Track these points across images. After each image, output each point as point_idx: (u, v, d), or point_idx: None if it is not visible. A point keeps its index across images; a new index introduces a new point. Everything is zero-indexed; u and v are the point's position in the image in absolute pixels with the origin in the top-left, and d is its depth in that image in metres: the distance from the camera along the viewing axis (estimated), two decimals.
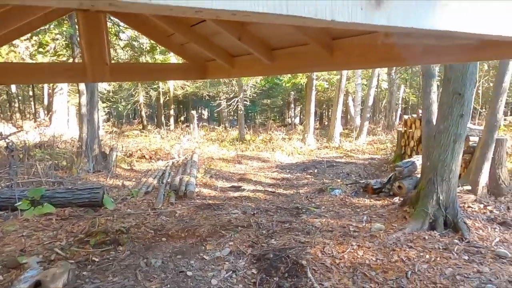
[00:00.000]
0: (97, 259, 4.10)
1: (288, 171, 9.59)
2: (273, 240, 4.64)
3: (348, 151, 13.00)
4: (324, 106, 28.84)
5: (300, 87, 20.66)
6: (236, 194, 7.09)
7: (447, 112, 4.59)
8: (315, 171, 9.44)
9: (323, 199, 6.60)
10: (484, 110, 16.82)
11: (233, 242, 4.56)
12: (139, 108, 23.91)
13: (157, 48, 12.37)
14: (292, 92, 25.37)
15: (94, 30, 3.04)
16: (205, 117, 36.40)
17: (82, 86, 9.12)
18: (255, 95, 19.84)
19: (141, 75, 4.32)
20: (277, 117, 29.64)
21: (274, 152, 12.44)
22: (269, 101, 27.55)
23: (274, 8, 0.46)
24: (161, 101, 22.64)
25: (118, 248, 4.38)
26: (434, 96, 5.85)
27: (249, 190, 7.42)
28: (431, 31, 0.52)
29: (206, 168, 9.46)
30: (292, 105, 27.38)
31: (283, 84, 17.01)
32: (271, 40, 3.10)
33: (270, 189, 7.54)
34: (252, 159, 11.40)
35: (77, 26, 5.52)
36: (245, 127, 17.08)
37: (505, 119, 19.86)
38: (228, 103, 16.94)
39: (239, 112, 16.40)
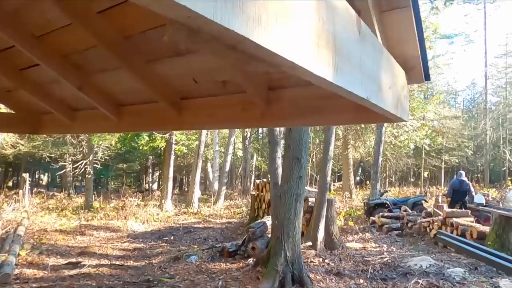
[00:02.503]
0: None
1: (141, 240, 8.74)
2: None
3: (206, 216, 12.97)
4: (184, 172, 28.82)
5: (159, 151, 20.22)
6: (73, 271, 5.90)
7: (289, 174, 5.18)
8: (172, 238, 8.91)
9: (178, 267, 6.15)
10: (318, 177, 19.93)
11: None
12: None
13: None
14: (151, 157, 24.56)
15: None
16: (44, 182, 30.96)
17: None
18: (109, 158, 18.26)
19: None
20: (133, 183, 27.76)
21: (126, 220, 11.27)
22: (125, 165, 25.76)
23: None
24: None
25: None
26: (279, 161, 6.57)
27: (91, 265, 6.31)
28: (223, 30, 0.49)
29: (35, 243, 7.70)
30: (150, 170, 26.30)
31: (141, 148, 16.32)
32: (118, 95, 2.90)
33: (117, 262, 6.60)
34: (99, 229, 9.98)
35: None
36: (93, 194, 15.17)
37: (333, 185, 23.99)
38: (75, 166, 14.94)
39: (87, 176, 14.60)
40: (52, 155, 19.11)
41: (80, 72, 2.57)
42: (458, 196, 9.73)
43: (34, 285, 5.14)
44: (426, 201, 12.46)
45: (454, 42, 26.84)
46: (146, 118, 2.80)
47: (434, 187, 22.41)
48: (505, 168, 23.96)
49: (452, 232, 7.75)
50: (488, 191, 16.34)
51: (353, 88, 0.86)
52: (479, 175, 26.77)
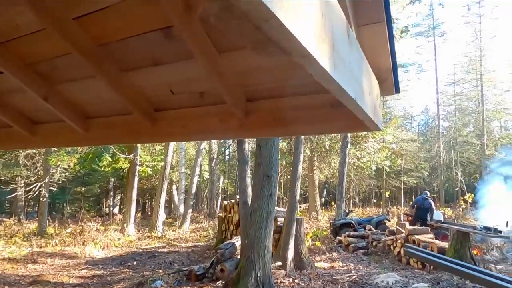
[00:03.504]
0: None
1: (101, 266, 8.20)
2: None
3: (171, 240, 12.50)
4: (147, 195, 27.79)
5: (121, 173, 19.44)
6: None
7: (259, 192, 5.17)
8: (134, 263, 8.45)
9: None
10: (286, 197, 20.05)
11: None
12: None
13: None
14: (113, 179, 23.51)
15: None
16: None
17: None
18: (67, 180, 17.23)
19: None
20: (92, 207, 26.26)
21: (84, 246, 10.57)
22: (83, 189, 24.40)
23: None
24: None
25: None
26: (249, 180, 6.56)
27: None
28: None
29: None
30: (112, 193, 25.08)
31: (102, 169, 15.58)
32: (87, 106, 2.79)
33: None
34: (54, 256, 9.27)
35: None
36: (48, 219, 14.13)
37: (300, 206, 24.21)
38: (28, 189, 13.92)
39: (41, 199, 13.62)
40: (2, 178, 17.68)
41: (47, 81, 2.45)
42: (420, 213, 10.21)
43: None
44: (388, 220, 12.88)
45: (408, 71, 28.75)
46: (117, 130, 2.69)
47: (395, 207, 23.28)
48: (457, 188, 25.52)
49: None
50: (443, 210, 17.23)
51: (346, 87, 0.90)
52: (435, 195, 28.26)
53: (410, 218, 11.06)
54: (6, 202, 24.12)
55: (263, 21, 0.54)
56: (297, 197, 7.17)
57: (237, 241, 7.45)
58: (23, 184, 16.82)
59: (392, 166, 21.18)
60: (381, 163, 18.27)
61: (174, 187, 22.08)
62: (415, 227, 9.27)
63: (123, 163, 14.19)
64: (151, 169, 16.40)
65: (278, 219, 8.13)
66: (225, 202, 10.67)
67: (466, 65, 30.40)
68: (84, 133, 2.80)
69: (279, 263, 6.59)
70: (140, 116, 2.47)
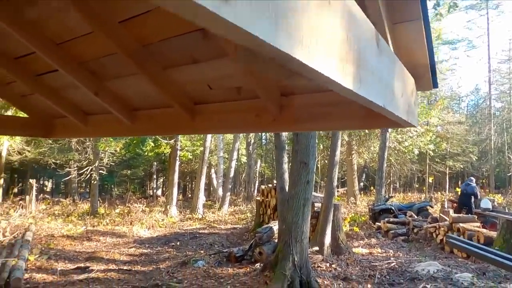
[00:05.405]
0: None
1: (147, 245, 8.78)
2: None
3: (211, 221, 12.99)
4: (188, 178, 28.87)
5: (163, 157, 20.31)
6: (82, 276, 5.95)
7: (296, 179, 5.22)
8: (178, 243, 8.95)
9: (185, 272, 6.18)
10: (323, 182, 19.93)
11: None
12: None
13: None
14: (155, 163, 24.64)
15: None
16: (48, 189, 31.06)
17: None
18: (114, 164, 18.35)
19: None
20: (137, 189, 27.79)
21: (132, 226, 11.32)
22: (129, 172, 25.86)
23: None
24: None
25: None
26: (285, 166, 6.62)
27: (100, 270, 6.36)
28: (275, 51, 0.56)
29: (43, 248, 7.77)
30: (155, 176, 26.35)
31: (146, 154, 16.41)
32: (133, 100, 2.98)
33: (125, 267, 6.65)
34: (105, 234, 10.04)
35: None
36: (99, 200, 15.25)
37: (338, 191, 23.95)
38: (80, 172, 15.05)
39: (93, 182, 14.68)
40: (57, 162, 19.24)
41: (97, 78, 2.65)
42: (463, 199, 9.78)
43: None
44: (431, 206, 12.40)
45: (457, 48, 26.82)
46: (159, 122, 2.87)
47: (439, 192, 22.29)
48: (510, 173, 23.83)
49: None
50: (493, 197, 16.23)
51: (374, 98, 0.92)
52: (484, 181, 26.60)
53: (455, 205, 10.59)
54: (62, 184, 26.25)
55: (287, 61, 0.60)
56: (335, 183, 7.13)
57: (275, 225, 7.61)
58: (76, 168, 18.21)
59: (436, 150, 20.19)
60: (425, 147, 17.47)
61: (212, 170, 22.71)
62: (460, 215, 8.88)
63: (164, 148, 14.82)
64: (191, 154, 16.99)
65: (315, 204, 8.16)
66: (263, 187, 10.85)
67: None
68: (130, 124, 3.01)
69: (316, 248, 6.67)
70: (181, 110, 2.60)
